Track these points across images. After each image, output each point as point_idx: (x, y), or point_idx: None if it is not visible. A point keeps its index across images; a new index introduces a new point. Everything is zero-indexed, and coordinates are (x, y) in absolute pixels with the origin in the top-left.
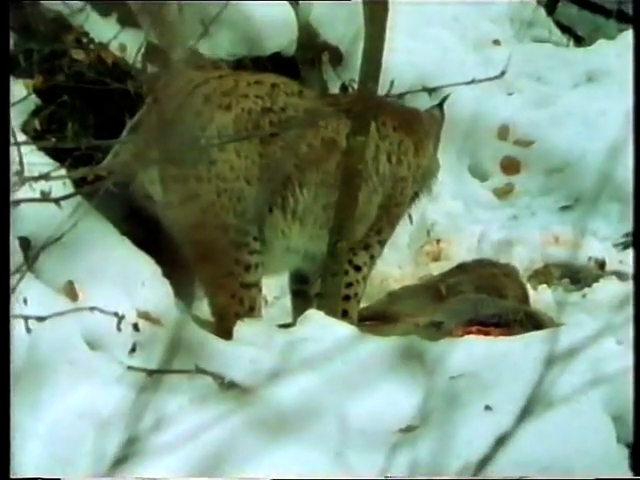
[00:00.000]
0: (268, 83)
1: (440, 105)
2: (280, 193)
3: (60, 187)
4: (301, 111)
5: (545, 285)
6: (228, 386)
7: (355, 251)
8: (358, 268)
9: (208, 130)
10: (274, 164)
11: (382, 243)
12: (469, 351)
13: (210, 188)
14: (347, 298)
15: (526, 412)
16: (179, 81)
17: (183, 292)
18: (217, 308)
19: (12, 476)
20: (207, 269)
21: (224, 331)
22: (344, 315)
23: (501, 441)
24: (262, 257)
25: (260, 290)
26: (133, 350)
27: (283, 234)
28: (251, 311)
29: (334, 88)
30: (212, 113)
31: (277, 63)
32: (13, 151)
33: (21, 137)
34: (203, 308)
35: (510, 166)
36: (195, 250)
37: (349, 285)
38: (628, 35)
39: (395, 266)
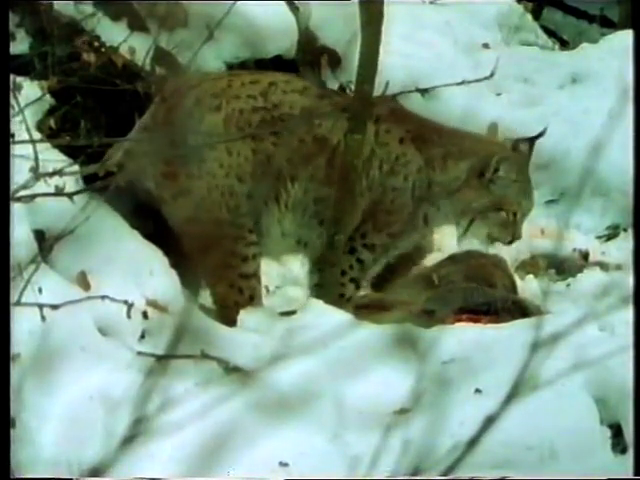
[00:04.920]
0: (265, 82)
1: (532, 139)
2: (273, 187)
3: (73, 182)
4: (297, 108)
5: (532, 275)
6: (232, 370)
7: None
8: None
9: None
10: (268, 160)
11: (370, 248)
12: (460, 337)
13: (201, 184)
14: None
15: (513, 394)
16: (178, 82)
17: (189, 282)
18: (217, 298)
19: (12, 476)
20: (205, 261)
21: (226, 319)
22: (342, 303)
23: (490, 422)
24: (259, 247)
25: (259, 280)
26: (142, 336)
27: (279, 222)
28: (251, 300)
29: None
30: (202, 114)
31: (278, 65)
32: (29, 148)
33: (36, 135)
34: (208, 297)
35: None
36: (192, 243)
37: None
38: (610, 39)
39: None
